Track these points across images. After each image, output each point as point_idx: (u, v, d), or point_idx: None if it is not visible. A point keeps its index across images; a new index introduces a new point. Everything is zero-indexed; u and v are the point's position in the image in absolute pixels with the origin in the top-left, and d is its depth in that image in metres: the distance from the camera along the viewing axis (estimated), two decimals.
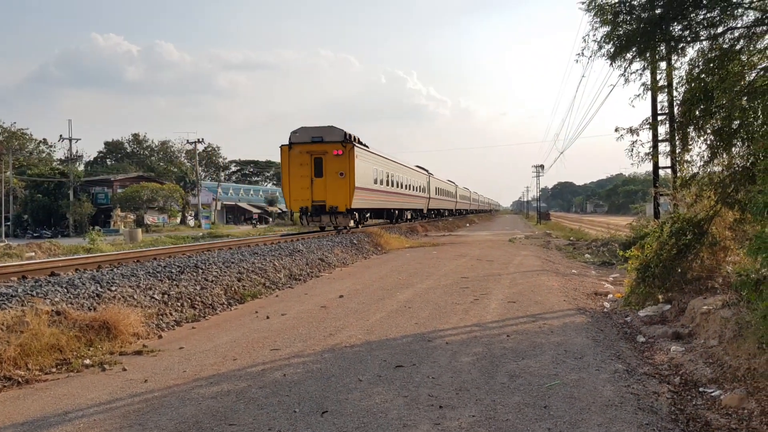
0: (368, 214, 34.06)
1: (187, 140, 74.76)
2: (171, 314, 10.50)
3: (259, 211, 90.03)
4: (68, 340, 8.08)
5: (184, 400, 6.11)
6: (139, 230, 41.65)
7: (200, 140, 73.29)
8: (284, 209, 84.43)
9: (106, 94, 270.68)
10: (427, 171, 51.44)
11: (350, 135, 28.23)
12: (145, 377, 6.99)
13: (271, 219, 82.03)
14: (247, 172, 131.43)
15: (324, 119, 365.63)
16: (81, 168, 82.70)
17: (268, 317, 10.55)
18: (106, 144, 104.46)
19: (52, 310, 8.63)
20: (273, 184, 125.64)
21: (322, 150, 27.48)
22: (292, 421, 5.44)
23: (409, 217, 45.17)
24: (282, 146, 28.02)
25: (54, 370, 7.41)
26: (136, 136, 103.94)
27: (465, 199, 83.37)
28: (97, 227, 48.03)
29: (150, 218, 62.73)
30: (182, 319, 10.47)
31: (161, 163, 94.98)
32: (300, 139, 27.73)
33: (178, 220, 69.24)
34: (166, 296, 10.99)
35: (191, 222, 69.17)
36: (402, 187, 39.50)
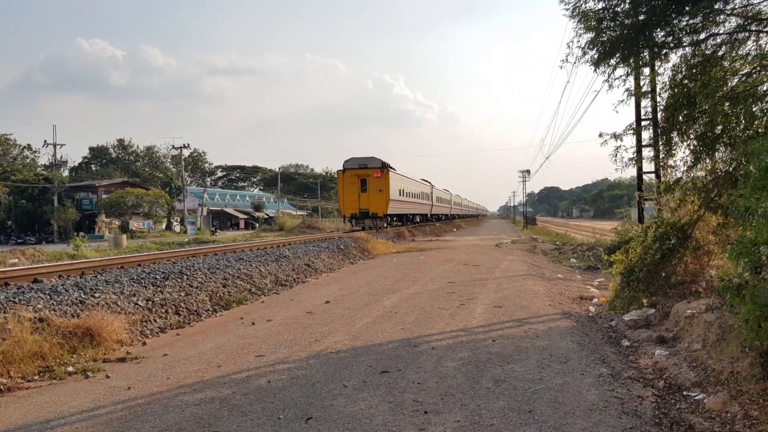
0: (395, 218, 45.35)
1: (173, 145, 74.31)
2: (155, 321, 10.43)
3: (245, 216, 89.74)
4: (51, 347, 8.01)
5: (167, 407, 6.06)
6: (124, 236, 41.35)
7: (186, 145, 72.76)
8: (270, 215, 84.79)
9: (92, 100, 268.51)
10: (430, 183, 60.47)
11: (385, 163, 39.56)
12: (128, 384, 6.94)
13: (257, 224, 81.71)
14: (233, 177, 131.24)
15: (311, 125, 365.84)
16: (65, 174, 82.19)
17: (253, 323, 10.50)
18: (91, 149, 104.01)
19: (35, 317, 8.55)
20: (260, 189, 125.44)
21: (366, 173, 38.71)
22: (276, 427, 5.41)
23: (418, 220, 54.69)
24: (338, 171, 40.57)
25: (36, 377, 7.34)
26: (121, 141, 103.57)
27: (457, 205, 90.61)
28: (81, 233, 47.54)
29: (135, 224, 62.31)
30: (166, 325, 10.40)
31: (147, 169, 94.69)
32: (350, 166, 39.26)
33: (164, 225, 68.84)
34: (150, 303, 10.91)
35: (177, 228, 68.77)
36: (414, 196, 49.87)
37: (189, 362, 7.90)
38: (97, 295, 10.36)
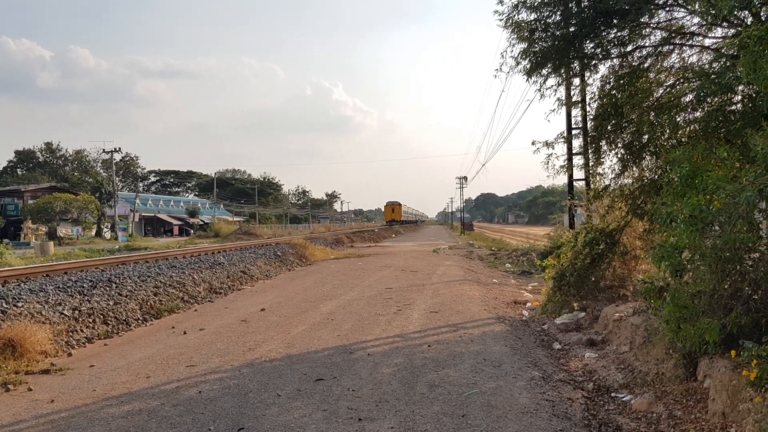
0: (402, 221, 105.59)
1: (104, 149, 71.41)
2: (82, 331, 10.06)
3: (180, 222, 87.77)
4: None
5: (92, 420, 5.83)
6: (51, 243, 39.74)
7: (117, 149, 70.49)
8: (206, 221, 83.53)
9: (18, 101, 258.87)
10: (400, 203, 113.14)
11: (400, 202, 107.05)
12: (51, 397, 6.66)
13: (192, 231, 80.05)
14: (167, 182, 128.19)
15: (248, 130, 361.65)
16: None
17: (185, 332, 10.25)
18: (17, 153, 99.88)
19: None
20: (195, 194, 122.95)
21: (394, 206, 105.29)
22: None
23: (405, 221, 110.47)
24: (384, 205, 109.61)
25: None
26: (49, 144, 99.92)
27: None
28: (6, 240, 45.56)
29: (63, 230, 60.03)
30: (94, 335, 10.05)
31: (75, 173, 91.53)
32: (388, 204, 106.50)
33: (94, 232, 66.58)
34: (76, 312, 10.52)
35: (107, 234, 66.65)
36: (406, 213, 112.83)
37: (117, 373, 7.64)
38: (20, 304, 9.93)
